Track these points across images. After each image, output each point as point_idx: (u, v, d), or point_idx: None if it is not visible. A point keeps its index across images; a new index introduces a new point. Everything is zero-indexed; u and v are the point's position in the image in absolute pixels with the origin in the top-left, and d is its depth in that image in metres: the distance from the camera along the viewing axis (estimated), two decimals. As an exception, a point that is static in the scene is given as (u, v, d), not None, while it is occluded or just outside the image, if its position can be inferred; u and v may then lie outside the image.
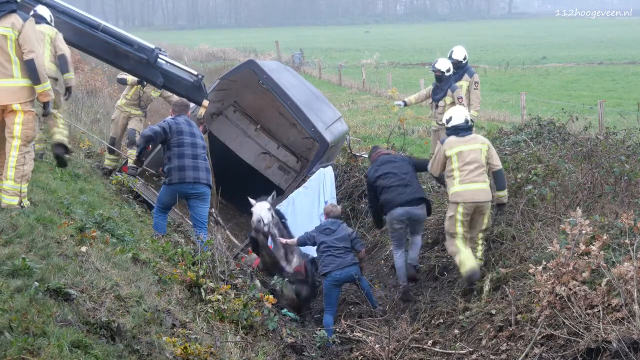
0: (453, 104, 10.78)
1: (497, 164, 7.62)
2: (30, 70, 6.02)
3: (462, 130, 7.66)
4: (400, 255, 8.28)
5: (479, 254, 7.59)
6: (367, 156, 9.06)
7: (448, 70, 10.81)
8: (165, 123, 7.85)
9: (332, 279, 7.67)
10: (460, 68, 11.24)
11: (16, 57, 6.01)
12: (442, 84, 10.85)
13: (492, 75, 31.54)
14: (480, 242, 7.64)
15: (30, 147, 6.21)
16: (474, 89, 11.24)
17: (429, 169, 8.03)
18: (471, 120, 7.99)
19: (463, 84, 11.16)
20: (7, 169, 6.02)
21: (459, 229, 7.43)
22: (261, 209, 8.13)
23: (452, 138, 7.65)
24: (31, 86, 6.10)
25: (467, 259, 7.34)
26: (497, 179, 7.64)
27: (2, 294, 4.30)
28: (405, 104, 11.58)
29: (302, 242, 8.15)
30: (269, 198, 8.37)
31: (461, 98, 10.80)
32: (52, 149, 8.35)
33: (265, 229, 8.04)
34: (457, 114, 7.77)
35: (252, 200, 8.34)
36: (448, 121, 7.77)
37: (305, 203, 9.51)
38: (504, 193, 7.72)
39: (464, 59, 11.28)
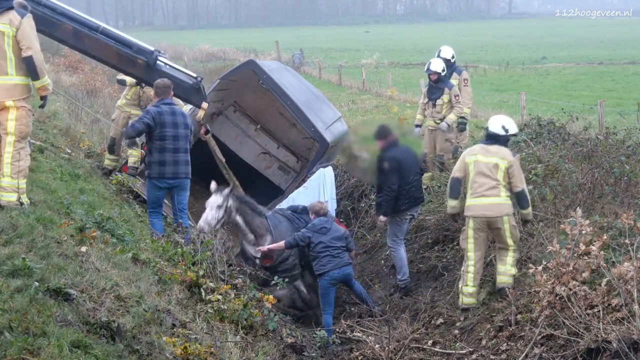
0: (450, 102, 10.87)
1: (519, 184, 7.04)
2: (29, 66, 6.05)
3: (491, 138, 7.17)
4: (403, 249, 8.43)
5: (510, 259, 7.04)
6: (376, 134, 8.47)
7: (443, 70, 10.91)
8: (149, 116, 7.85)
9: (330, 278, 7.66)
10: (448, 67, 11.38)
11: (12, 54, 6.03)
12: (439, 84, 10.91)
13: (492, 75, 31.52)
14: (510, 257, 7.06)
15: (25, 143, 6.24)
16: (464, 86, 11.36)
17: (452, 173, 7.47)
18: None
19: (452, 82, 11.22)
20: (3, 166, 6.06)
21: (470, 246, 7.07)
22: (211, 208, 8.03)
23: (478, 146, 7.28)
24: (25, 84, 6.13)
25: (468, 294, 7.09)
26: (518, 200, 7.11)
27: (2, 294, 4.30)
28: (419, 126, 11.50)
29: (293, 244, 7.94)
30: (227, 190, 8.20)
31: (458, 96, 10.91)
32: None
33: (210, 228, 7.98)
34: (493, 121, 7.28)
35: (213, 186, 8.21)
36: (486, 129, 7.38)
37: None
38: (528, 211, 7.17)
39: (452, 57, 11.43)
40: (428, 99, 11.10)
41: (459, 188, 7.38)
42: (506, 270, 7.02)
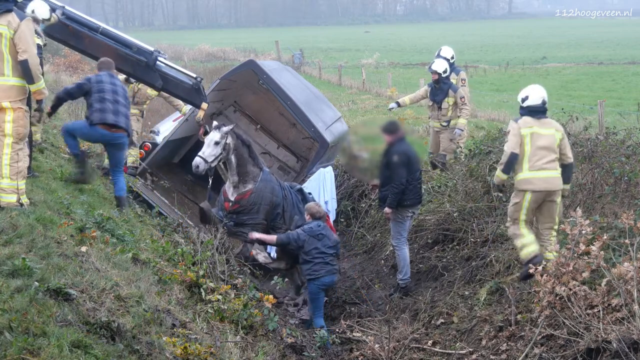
0: (456, 104, 10.87)
1: (570, 156, 6.99)
2: (24, 70, 6.06)
3: (538, 112, 6.93)
4: (407, 248, 8.43)
5: (552, 247, 6.78)
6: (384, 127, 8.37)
7: (445, 71, 10.90)
8: (85, 80, 7.90)
9: (321, 284, 7.67)
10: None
11: (9, 55, 6.05)
12: (441, 85, 10.91)
13: (492, 75, 31.54)
14: (553, 237, 6.95)
15: (23, 144, 6.25)
16: (462, 85, 11.38)
17: (505, 148, 7.06)
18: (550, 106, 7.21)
19: (451, 81, 11.22)
20: (1, 167, 6.06)
21: (523, 216, 6.87)
22: (208, 145, 8.08)
23: (528, 118, 6.94)
24: (22, 85, 6.13)
25: (529, 242, 6.78)
26: (566, 172, 6.99)
27: (2, 294, 4.30)
28: (399, 105, 11.59)
29: (285, 242, 7.79)
30: (226, 128, 8.21)
31: (463, 98, 10.90)
32: None
33: (205, 169, 8.05)
34: (534, 94, 7.00)
35: (214, 123, 8.29)
36: (523, 100, 7.02)
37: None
38: (568, 186, 7.10)
39: (452, 57, 11.43)
40: (432, 102, 11.11)
41: (514, 164, 7.05)
42: (552, 250, 6.83)
